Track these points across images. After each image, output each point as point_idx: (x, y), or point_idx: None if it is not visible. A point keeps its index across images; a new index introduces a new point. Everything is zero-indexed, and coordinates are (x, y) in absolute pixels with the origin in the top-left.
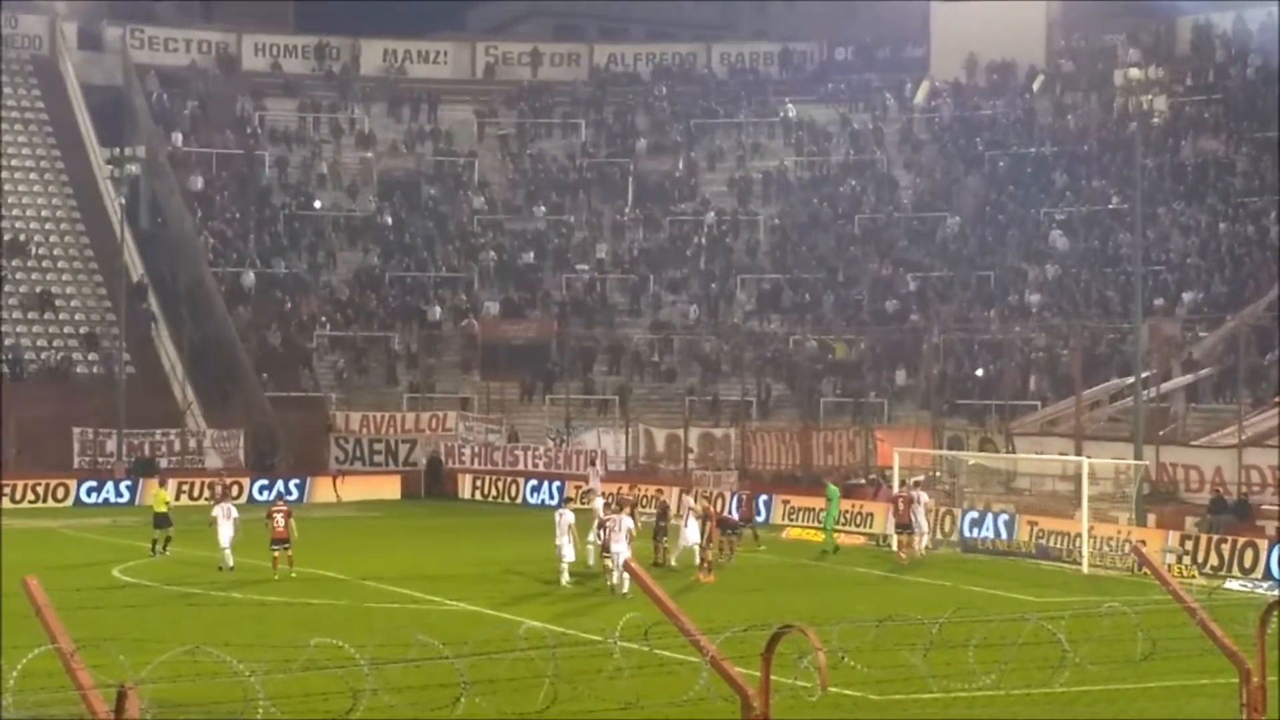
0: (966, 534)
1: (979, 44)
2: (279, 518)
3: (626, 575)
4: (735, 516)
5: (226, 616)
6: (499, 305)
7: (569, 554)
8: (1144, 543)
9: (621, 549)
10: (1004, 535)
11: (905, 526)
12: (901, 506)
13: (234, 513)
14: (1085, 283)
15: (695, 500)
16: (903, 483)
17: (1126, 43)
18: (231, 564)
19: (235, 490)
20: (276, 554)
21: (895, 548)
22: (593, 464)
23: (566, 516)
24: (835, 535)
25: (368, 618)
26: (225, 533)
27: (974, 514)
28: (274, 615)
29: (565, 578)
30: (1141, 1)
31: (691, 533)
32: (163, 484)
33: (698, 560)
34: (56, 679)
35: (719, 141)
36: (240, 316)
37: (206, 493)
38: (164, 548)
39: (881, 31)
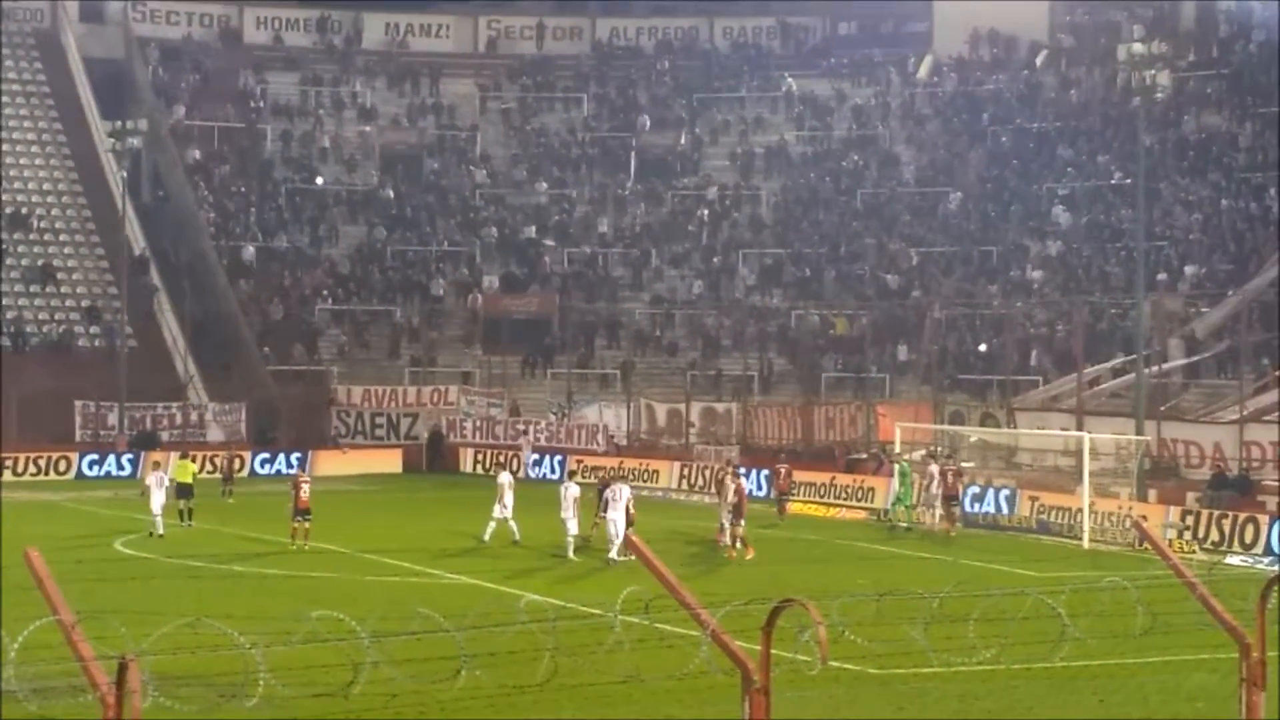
0: (968, 509)
1: (982, 19)
2: (305, 488)
3: (618, 544)
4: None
5: (228, 589)
6: (501, 279)
7: (574, 527)
8: (1145, 518)
9: (619, 518)
10: (1005, 510)
11: (953, 498)
12: (951, 480)
13: (166, 481)
14: (1087, 258)
15: (730, 477)
16: (949, 456)
17: (1130, 18)
18: (161, 531)
19: (238, 464)
20: (297, 525)
21: (937, 521)
22: (524, 434)
23: (572, 490)
24: (836, 510)
25: (369, 591)
26: (157, 500)
27: (975, 489)
28: (275, 588)
29: (571, 551)
30: None
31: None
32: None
33: (728, 538)
34: (58, 651)
35: (721, 116)
36: (242, 290)
37: (209, 466)
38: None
39: (884, 6)
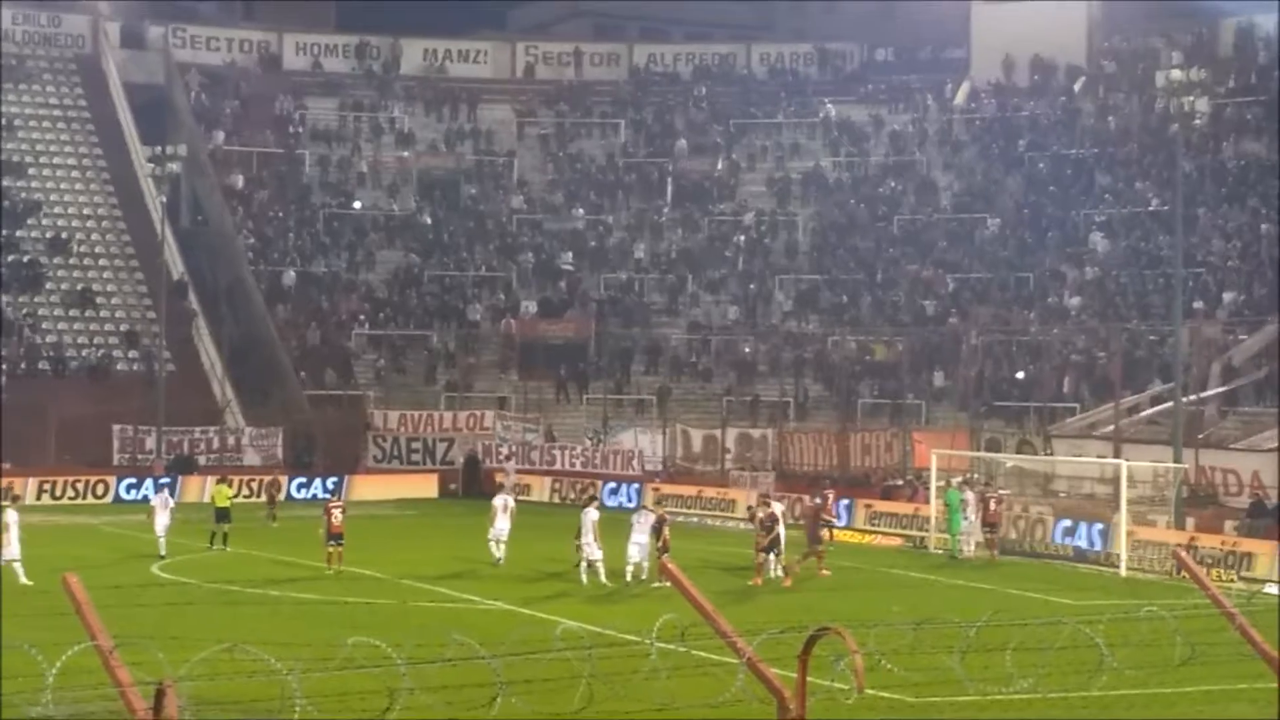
0: (1058, 540)
1: (1019, 45)
2: (336, 513)
3: (634, 568)
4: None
5: (264, 614)
6: (537, 304)
7: (594, 552)
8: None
9: (641, 543)
10: (1098, 546)
11: (994, 525)
12: (993, 506)
13: (170, 503)
14: (1125, 285)
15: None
16: (986, 484)
17: (1168, 44)
18: (164, 552)
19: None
20: (332, 549)
21: (973, 548)
22: (509, 459)
23: (591, 515)
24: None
25: (405, 616)
26: (161, 521)
27: (1065, 522)
28: (312, 613)
29: (585, 577)
30: (1183, 2)
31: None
32: (224, 480)
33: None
34: (95, 676)
35: (758, 142)
36: (279, 315)
37: (246, 490)
38: (224, 542)
39: (921, 32)
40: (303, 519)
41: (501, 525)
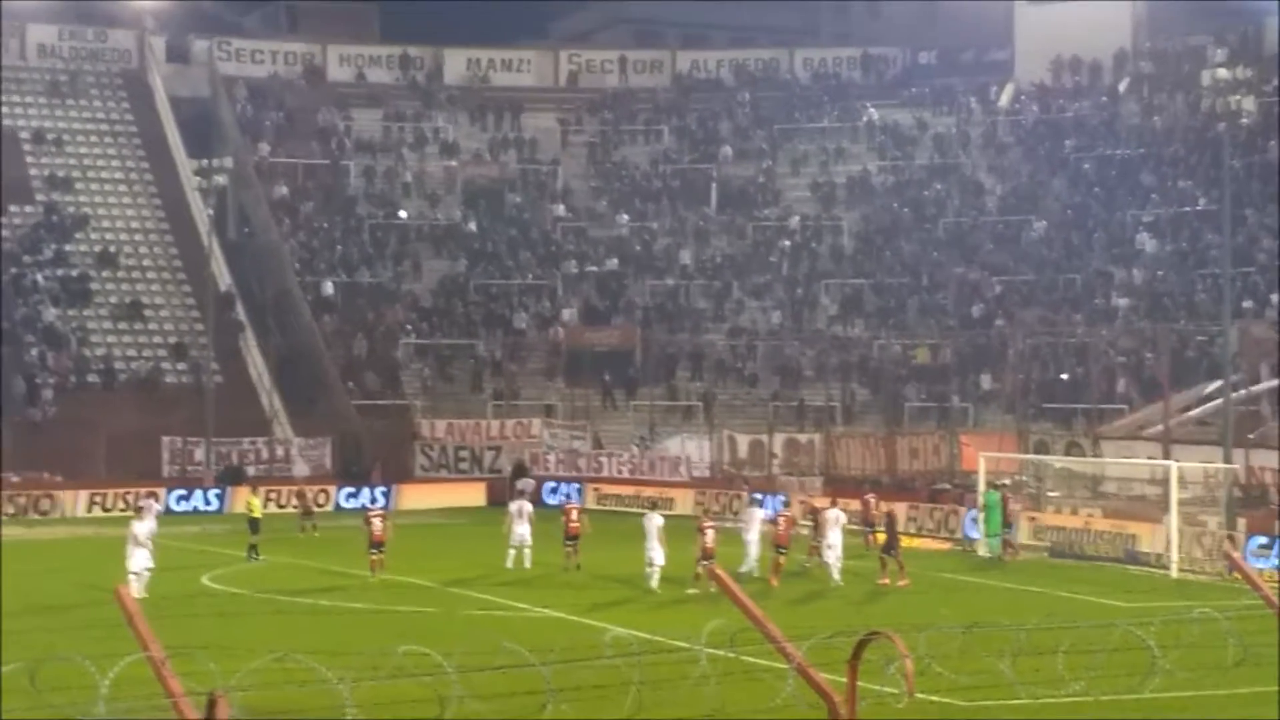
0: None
1: (1063, 46)
2: (376, 522)
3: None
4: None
5: (315, 624)
6: (582, 312)
7: (659, 558)
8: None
9: (652, 548)
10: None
11: (1007, 525)
12: (1009, 506)
13: (156, 507)
14: (1173, 285)
15: (875, 506)
16: (1004, 484)
17: (1214, 43)
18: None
19: (317, 498)
20: (375, 557)
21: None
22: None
23: (655, 520)
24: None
25: (454, 625)
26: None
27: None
28: (362, 622)
29: (654, 581)
30: (1228, 1)
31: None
32: (255, 491)
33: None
34: (148, 686)
35: (802, 146)
36: (326, 325)
37: (294, 501)
38: (255, 553)
39: (965, 35)
40: (351, 529)
41: (520, 531)
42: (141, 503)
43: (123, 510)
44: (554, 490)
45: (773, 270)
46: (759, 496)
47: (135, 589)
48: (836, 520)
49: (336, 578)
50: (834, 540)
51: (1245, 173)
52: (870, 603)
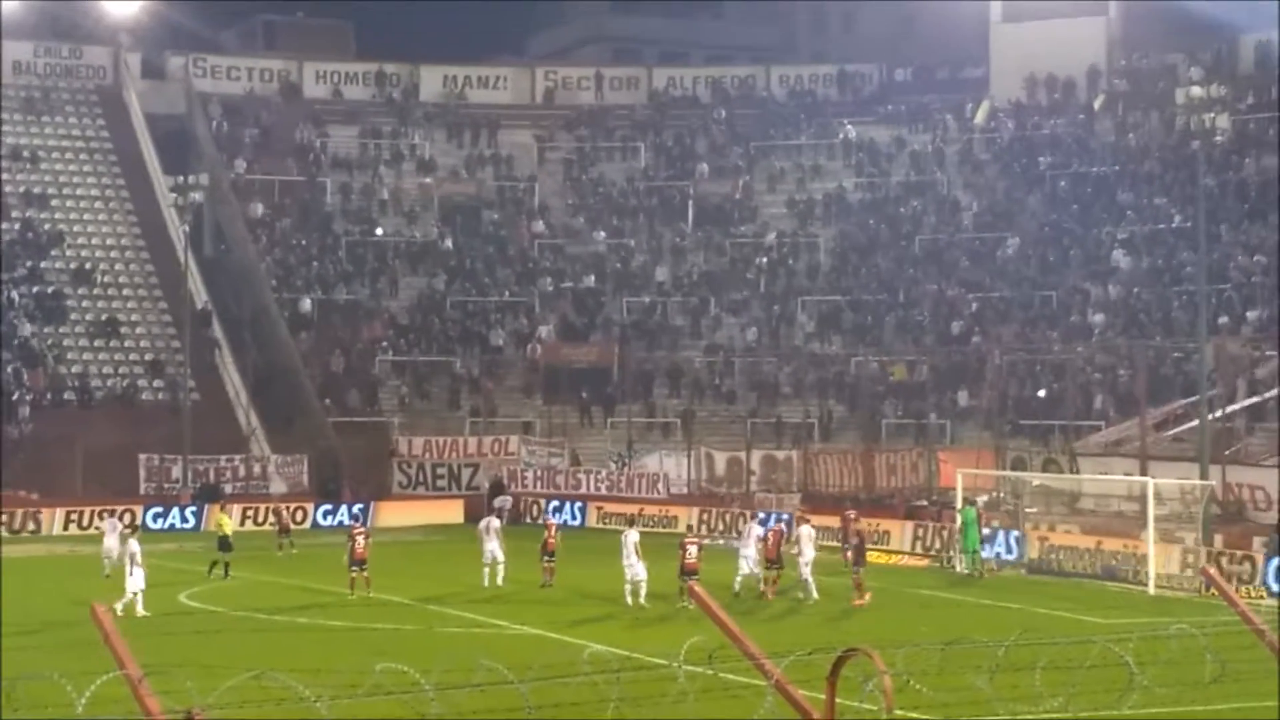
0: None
1: (1038, 63)
2: (359, 539)
3: (629, 588)
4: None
5: (292, 642)
6: (560, 329)
7: (640, 573)
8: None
9: (635, 564)
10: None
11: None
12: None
13: (118, 525)
14: (1148, 302)
15: (854, 522)
16: (970, 502)
17: (1188, 61)
18: (109, 572)
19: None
20: (355, 575)
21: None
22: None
23: (632, 536)
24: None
25: (433, 642)
26: (108, 544)
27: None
28: (340, 640)
29: (630, 598)
30: (1203, 19)
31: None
32: (224, 509)
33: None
34: (125, 705)
35: (778, 163)
36: (303, 342)
37: (272, 519)
38: (225, 570)
39: (940, 52)
40: (329, 546)
41: (490, 547)
42: (105, 524)
43: (99, 528)
44: (558, 509)
45: (750, 287)
46: (762, 515)
47: (138, 609)
48: (809, 536)
49: (315, 595)
50: (808, 556)
51: (1220, 190)
52: (848, 619)
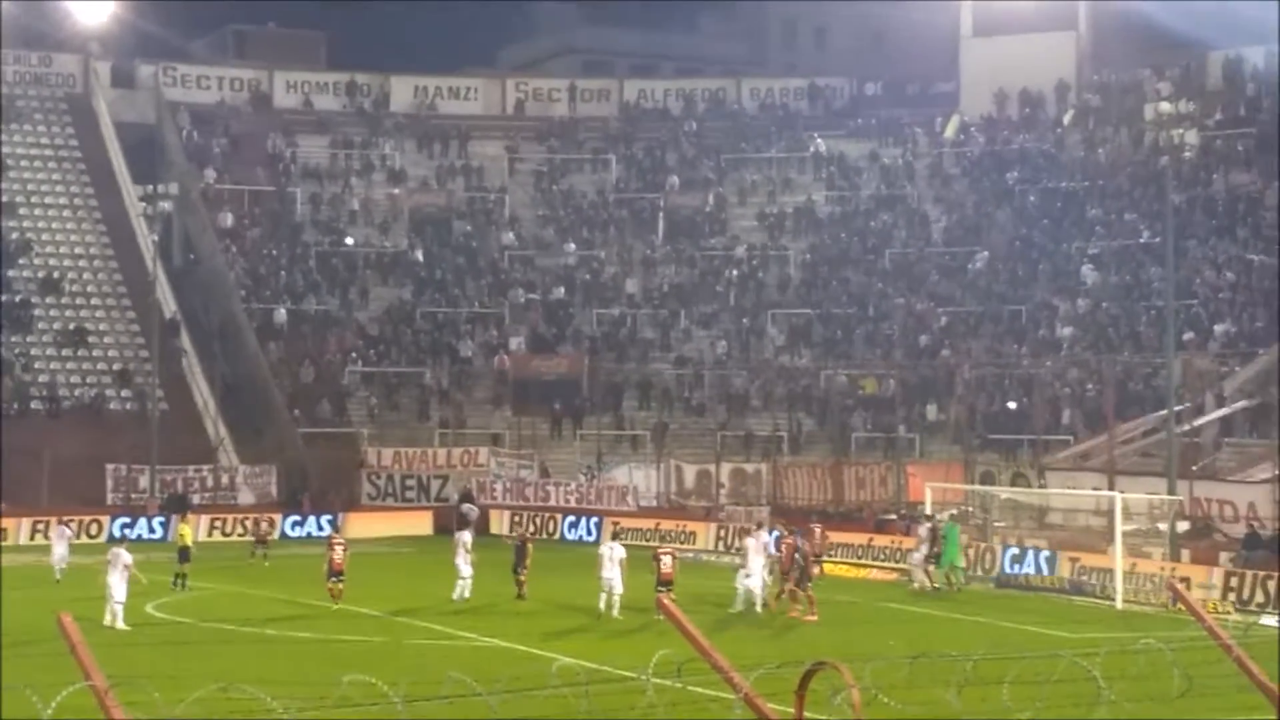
0: (1007, 569)
1: (1008, 78)
2: (338, 550)
3: (615, 601)
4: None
5: (260, 653)
6: (529, 341)
7: (618, 586)
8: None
9: (614, 577)
10: (1044, 571)
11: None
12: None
13: (67, 534)
14: (1117, 317)
15: (810, 536)
16: (931, 516)
17: (1157, 77)
18: (59, 578)
19: (268, 527)
20: (332, 585)
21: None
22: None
23: (617, 551)
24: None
25: (401, 654)
26: (58, 551)
27: (1014, 550)
28: (307, 652)
29: (614, 610)
30: (1172, 36)
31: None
32: (185, 519)
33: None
34: (91, 715)
35: (749, 176)
36: (272, 353)
37: (239, 529)
38: (182, 582)
39: (911, 67)
40: (298, 556)
41: (458, 561)
42: (53, 532)
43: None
44: (574, 524)
45: (720, 300)
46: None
47: (119, 620)
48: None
49: (283, 606)
50: (754, 568)
51: (1188, 206)
52: (817, 633)
